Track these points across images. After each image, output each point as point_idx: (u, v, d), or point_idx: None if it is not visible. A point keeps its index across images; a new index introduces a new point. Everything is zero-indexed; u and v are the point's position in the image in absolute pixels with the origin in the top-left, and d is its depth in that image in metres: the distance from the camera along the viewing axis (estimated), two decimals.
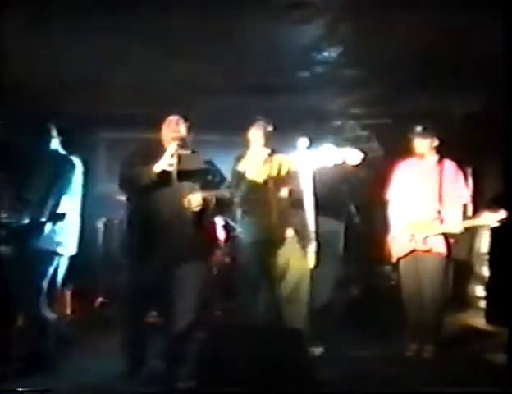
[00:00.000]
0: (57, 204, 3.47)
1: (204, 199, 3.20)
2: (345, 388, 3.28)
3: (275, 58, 4.07)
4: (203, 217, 3.26)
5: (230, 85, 4.75)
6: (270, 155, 3.87)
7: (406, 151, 4.14)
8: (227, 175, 3.63)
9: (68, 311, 4.93)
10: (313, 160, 3.93)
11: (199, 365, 3.08)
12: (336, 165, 4.05)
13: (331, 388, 3.18)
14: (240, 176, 3.81)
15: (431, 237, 3.92)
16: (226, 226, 5.10)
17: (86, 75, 4.28)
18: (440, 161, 4.03)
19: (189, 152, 3.35)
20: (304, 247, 3.85)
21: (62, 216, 3.50)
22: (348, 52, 3.96)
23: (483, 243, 5.29)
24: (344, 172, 4.37)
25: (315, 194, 3.87)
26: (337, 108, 5.46)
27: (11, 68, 3.74)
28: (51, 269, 3.55)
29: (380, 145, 5.46)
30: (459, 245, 4.15)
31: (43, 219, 3.41)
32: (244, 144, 3.94)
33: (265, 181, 3.81)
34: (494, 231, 4.81)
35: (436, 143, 3.99)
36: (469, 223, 3.92)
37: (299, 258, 3.84)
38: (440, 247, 3.91)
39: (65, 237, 3.56)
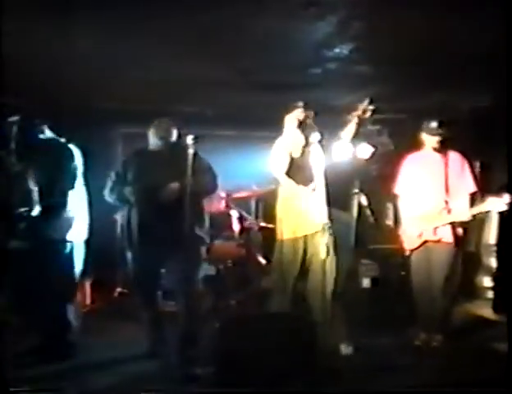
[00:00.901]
0: (62, 194, 3.57)
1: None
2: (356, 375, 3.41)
3: (288, 55, 4.12)
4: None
5: (243, 82, 4.82)
6: (307, 142, 3.87)
7: (416, 145, 4.21)
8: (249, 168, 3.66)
9: (88, 301, 5.11)
10: (325, 154, 4.00)
11: (216, 354, 3.15)
12: (347, 159, 4.11)
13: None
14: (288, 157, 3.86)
15: (440, 227, 3.99)
16: (241, 218, 5.08)
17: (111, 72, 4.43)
18: (445, 153, 4.09)
19: None
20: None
21: (65, 204, 3.59)
22: (360, 48, 3.99)
23: (491, 234, 5.34)
24: (355, 166, 4.42)
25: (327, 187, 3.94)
26: (348, 104, 5.50)
27: (31, 68, 3.89)
28: (65, 258, 3.63)
29: (390, 139, 5.52)
30: (467, 236, 4.20)
31: (52, 209, 3.52)
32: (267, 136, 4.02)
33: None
34: (501, 222, 4.89)
35: (446, 137, 4.04)
36: (476, 210, 3.92)
37: (323, 251, 3.89)
38: (448, 237, 3.98)
39: (76, 225, 3.67)
